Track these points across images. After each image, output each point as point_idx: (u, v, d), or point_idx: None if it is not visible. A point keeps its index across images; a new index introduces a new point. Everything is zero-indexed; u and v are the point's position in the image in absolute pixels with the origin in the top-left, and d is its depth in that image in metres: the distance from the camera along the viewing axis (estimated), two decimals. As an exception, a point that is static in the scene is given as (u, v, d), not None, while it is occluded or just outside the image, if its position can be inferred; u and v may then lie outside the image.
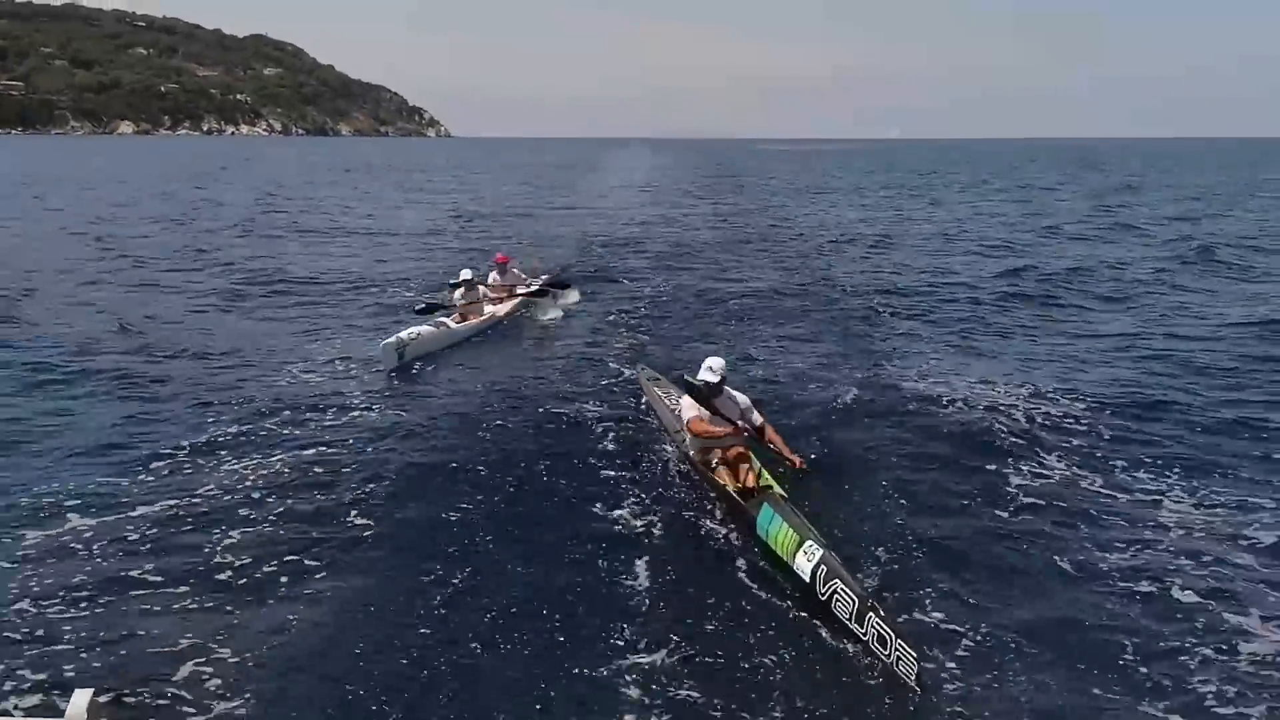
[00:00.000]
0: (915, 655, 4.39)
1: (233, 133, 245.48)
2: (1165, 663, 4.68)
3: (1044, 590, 5.42)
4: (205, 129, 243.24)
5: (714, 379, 6.51)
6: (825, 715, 4.31)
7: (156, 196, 37.95)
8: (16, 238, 22.82)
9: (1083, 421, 8.39)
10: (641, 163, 77.82)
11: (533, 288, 13.91)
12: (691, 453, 6.80)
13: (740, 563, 5.75)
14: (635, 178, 54.56)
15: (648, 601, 5.26)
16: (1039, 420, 8.40)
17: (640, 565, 5.66)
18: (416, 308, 12.08)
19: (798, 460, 6.42)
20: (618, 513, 6.46)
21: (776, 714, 4.31)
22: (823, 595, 4.97)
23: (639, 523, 6.30)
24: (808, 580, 5.09)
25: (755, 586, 5.44)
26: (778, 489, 6.13)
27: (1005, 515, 6.45)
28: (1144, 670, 4.62)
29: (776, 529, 5.51)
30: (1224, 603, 5.25)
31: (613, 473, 7.16)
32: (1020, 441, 7.80)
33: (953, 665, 4.66)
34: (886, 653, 4.53)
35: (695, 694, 4.42)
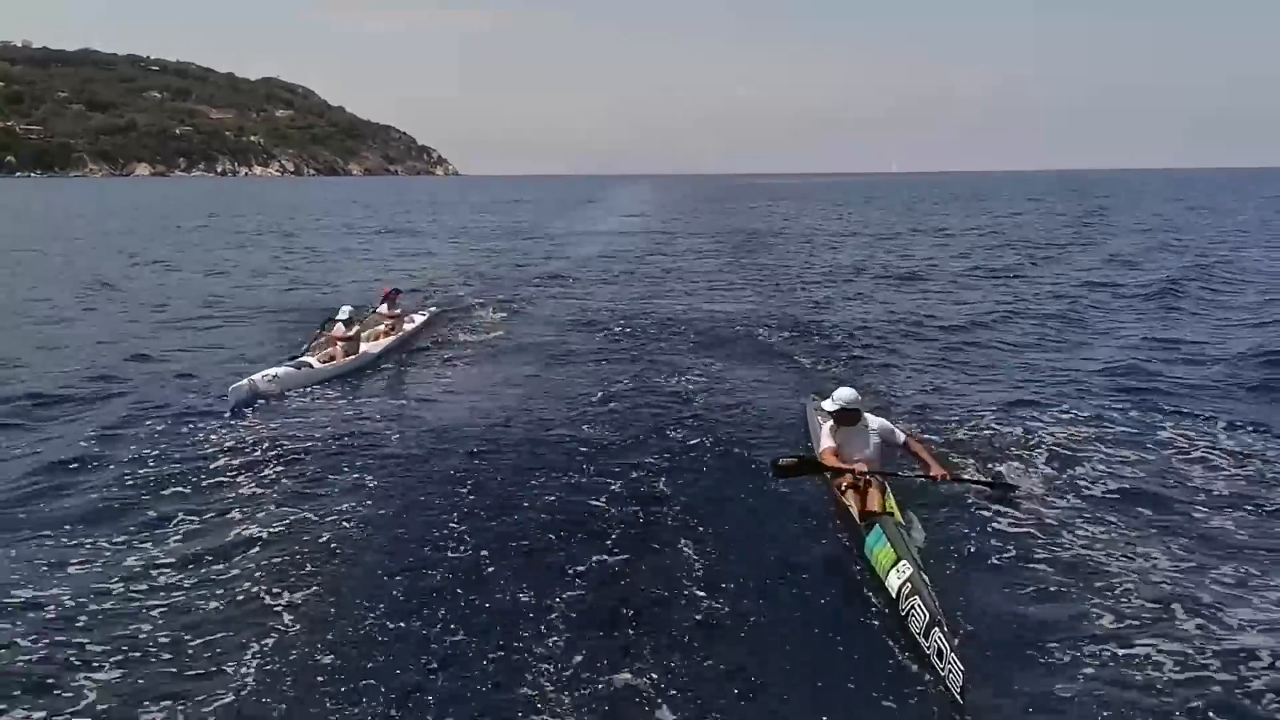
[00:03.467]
0: (964, 670, 4.38)
1: (246, 174, 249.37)
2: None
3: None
4: (219, 170, 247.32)
5: (833, 407, 6.78)
6: (871, 715, 4.41)
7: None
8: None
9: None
10: (642, 198, 77.81)
11: (417, 323, 13.85)
12: (829, 475, 6.94)
13: (836, 579, 5.84)
14: (630, 211, 54.68)
15: (734, 603, 5.44)
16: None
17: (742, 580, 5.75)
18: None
19: (938, 472, 6.66)
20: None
21: (829, 709, 4.44)
22: (902, 611, 5.11)
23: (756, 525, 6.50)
24: (894, 596, 5.26)
25: (848, 599, 5.55)
26: (899, 516, 6.24)
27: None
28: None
29: (880, 549, 5.67)
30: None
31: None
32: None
33: (1007, 694, 4.56)
34: (942, 665, 4.56)
35: (766, 684, 4.64)
